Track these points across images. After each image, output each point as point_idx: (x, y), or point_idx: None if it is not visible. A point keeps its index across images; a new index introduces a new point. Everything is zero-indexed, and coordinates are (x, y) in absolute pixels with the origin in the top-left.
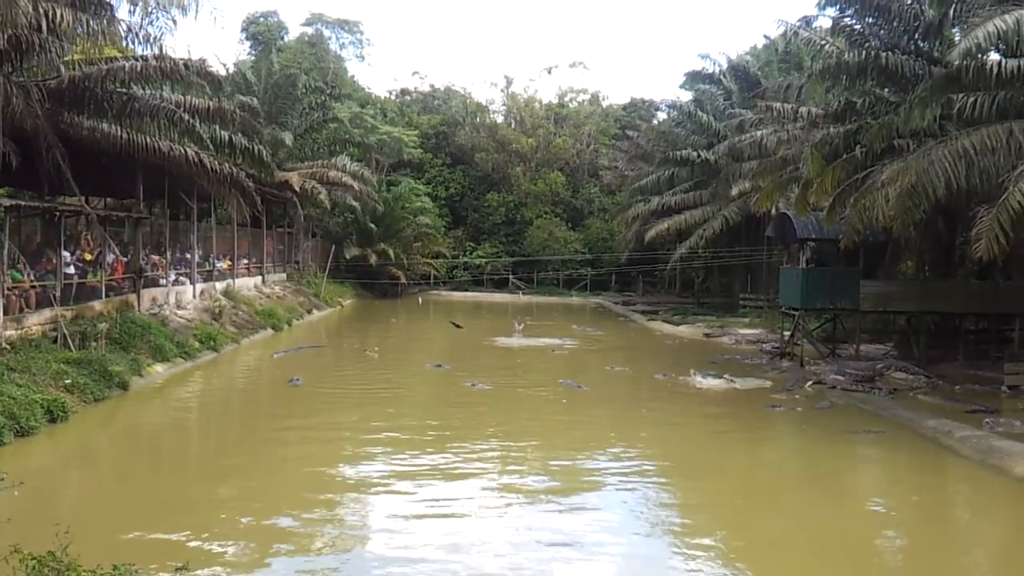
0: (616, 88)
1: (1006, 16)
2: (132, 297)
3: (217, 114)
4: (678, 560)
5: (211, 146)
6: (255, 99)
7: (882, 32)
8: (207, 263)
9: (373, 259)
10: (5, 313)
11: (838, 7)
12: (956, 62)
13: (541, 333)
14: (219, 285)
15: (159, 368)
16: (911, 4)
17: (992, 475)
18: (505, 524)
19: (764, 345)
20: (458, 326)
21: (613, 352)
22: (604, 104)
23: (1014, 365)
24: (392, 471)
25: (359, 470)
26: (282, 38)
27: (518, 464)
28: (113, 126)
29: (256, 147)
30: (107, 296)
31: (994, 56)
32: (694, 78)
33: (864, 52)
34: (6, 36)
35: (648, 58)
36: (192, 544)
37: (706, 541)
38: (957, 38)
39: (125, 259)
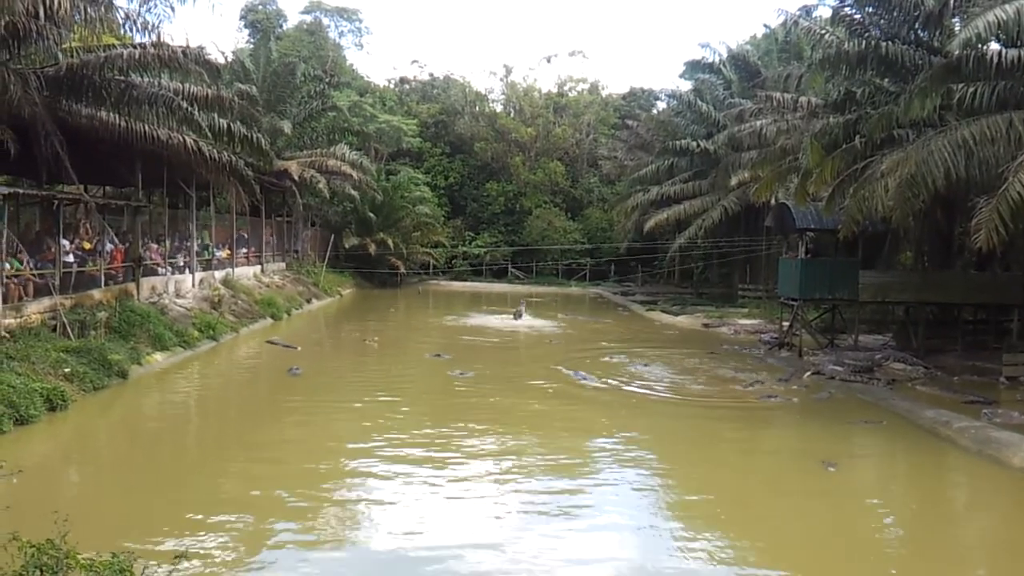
0: (616, 77)
1: (1006, 6)
2: (131, 286)
3: (215, 102)
4: (678, 556)
5: (209, 134)
6: (254, 87)
7: (882, 21)
8: (206, 252)
9: (372, 248)
10: (4, 302)
11: None
12: (956, 52)
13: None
14: (218, 274)
15: (158, 357)
16: None
17: (989, 466)
18: (503, 492)
19: (763, 336)
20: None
21: (612, 343)
22: (604, 93)
23: (1012, 356)
24: (393, 458)
25: (359, 460)
26: (281, 26)
27: (516, 446)
28: (111, 114)
29: (255, 135)
30: (106, 285)
31: (994, 46)
32: (694, 67)
33: (864, 42)
34: (3, 23)
35: (648, 47)
36: (192, 533)
37: (704, 531)
38: (957, 28)
39: (124, 247)
